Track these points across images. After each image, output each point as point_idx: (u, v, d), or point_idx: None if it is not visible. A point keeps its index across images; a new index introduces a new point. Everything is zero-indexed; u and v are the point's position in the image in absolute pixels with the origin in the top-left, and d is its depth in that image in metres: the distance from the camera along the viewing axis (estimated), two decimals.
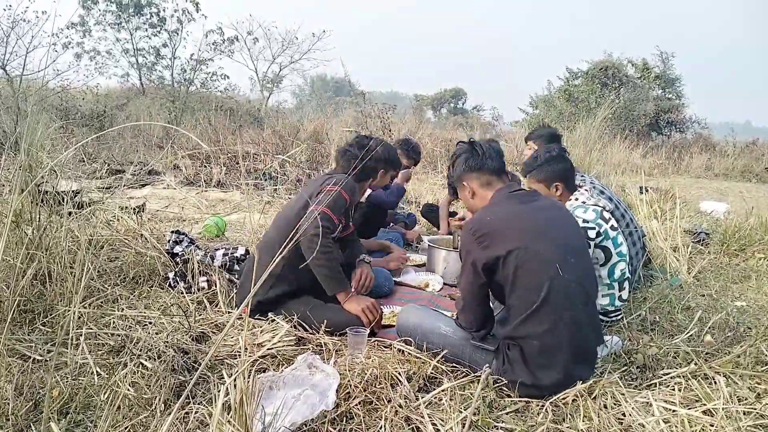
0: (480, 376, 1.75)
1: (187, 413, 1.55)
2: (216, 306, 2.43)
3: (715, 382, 1.79)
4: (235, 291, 2.49)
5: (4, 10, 8.55)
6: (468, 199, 1.99)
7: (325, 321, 2.12)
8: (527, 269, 1.69)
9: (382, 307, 2.45)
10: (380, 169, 2.80)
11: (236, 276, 2.68)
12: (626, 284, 2.38)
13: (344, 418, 1.58)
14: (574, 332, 1.70)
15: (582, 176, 3.04)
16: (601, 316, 2.35)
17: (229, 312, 2.35)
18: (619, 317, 2.42)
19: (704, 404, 1.67)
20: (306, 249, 2.13)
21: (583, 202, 2.44)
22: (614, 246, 2.31)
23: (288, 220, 2.30)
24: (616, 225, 2.36)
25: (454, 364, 1.92)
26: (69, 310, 1.98)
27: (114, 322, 2.11)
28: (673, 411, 1.65)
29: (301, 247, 2.13)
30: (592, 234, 2.26)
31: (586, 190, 2.52)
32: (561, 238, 1.79)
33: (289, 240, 1.47)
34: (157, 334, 2.01)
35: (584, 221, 2.28)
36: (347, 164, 2.54)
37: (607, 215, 2.35)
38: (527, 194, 1.91)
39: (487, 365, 1.80)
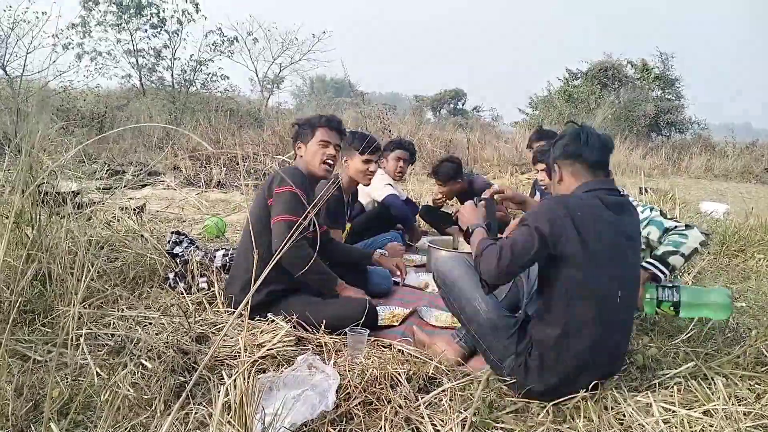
0: (479, 376, 1.75)
1: (187, 414, 1.54)
2: (216, 307, 2.43)
3: (715, 383, 1.79)
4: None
5: (4, 10, 8.56)
6: (555, 184, 1.87)
7: (324, 320, 2.12)
8: (584, 286, 1.62)
9: (380, 307, 2.45)
10: (301, 133, 2.43)
11: None
12: None
13: (344, 419, 1.58)
14: (607, 353, 1.69)
15: None
16: None
17: (227, 312, 2.35)
18: None
19: (704, 405, 1.67)
20: (288, 265, 2.11)
21: None
22: None
23: (251, 225, 2.26)
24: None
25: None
26: (69, 311, 1.98)
27: (114, 323, 2.11)
28: (673, 412, 1.65)
29: (284, 264, 2.09)
30: None
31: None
32: (627, 269, 1.71)
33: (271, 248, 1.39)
34: (157, 334, 2.01)
35: None
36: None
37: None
38: (616, 202, 1.73)
39: (487, 368, 1.80)
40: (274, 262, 1.28)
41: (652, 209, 2.36)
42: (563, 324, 1.64)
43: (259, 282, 1.21)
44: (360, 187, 3.38)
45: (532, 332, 1.74)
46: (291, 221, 2.12)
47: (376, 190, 3.65)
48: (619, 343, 1.74)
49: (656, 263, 2.13)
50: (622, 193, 1.84)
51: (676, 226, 2.24)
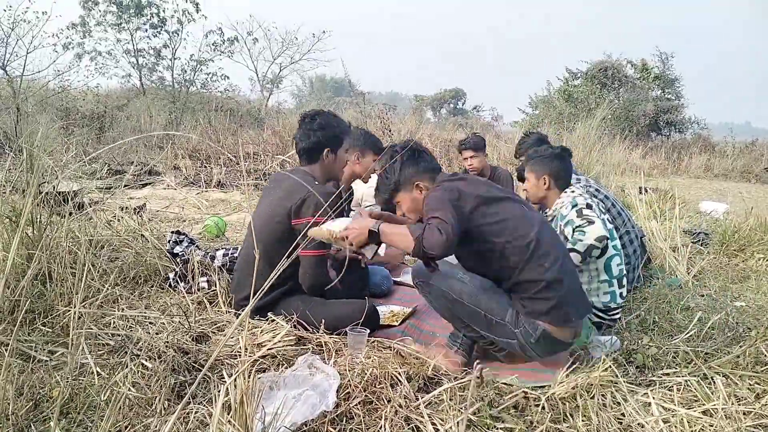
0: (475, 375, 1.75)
1: (187, 413, 1.55)
2: (216, 306, 2.43)
3: (715, 383, 1.79)
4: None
5: (5, 10, 8.55)
6: (419, 200, 2.03)
7: (324, 320, 2.12)
8: (510, 218, 1.86)
9: (380, 307, 2.46)
10: (327, 147, 2.36)
11: None
12: (624, 281, 2.42)
13: (344, 418, 1.59)
14: (568, 266, 1.90)
15: (578, 177, 3.06)
16: (601, 314, 2.39)
17: (228, 312, 2.35)
18: (618, 316, 2.44)
19: (704, 404, 1.68)
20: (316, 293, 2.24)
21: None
22: (610, 239, 2.36)
23: (266, 241, 2.20)
24: (609, 218, 2.49)
25: (469, 322, 1.95)
26: (69, 311, 1.98)
27: (114, 323, 2.11)
28: (673, 411, 1.65)
29: (312, 294, 2.24)
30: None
31: (573, 190, 2.57)
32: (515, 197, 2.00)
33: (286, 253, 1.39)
34: (157, 334, 2.01)
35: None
36: (308, 156, 2.37)
37: (603, 208, 2.53)
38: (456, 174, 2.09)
39: (479, 364, 1.80)
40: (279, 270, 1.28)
41: (574, 206, 2.44)
42: (518, 263, 1.83)
43: (265, 287, 1.21)
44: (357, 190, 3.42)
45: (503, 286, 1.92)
46: (320, 255, 2.20)
47: (369, 198, 3.66)
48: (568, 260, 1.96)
49: None
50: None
51: (580, 224, 2.36)
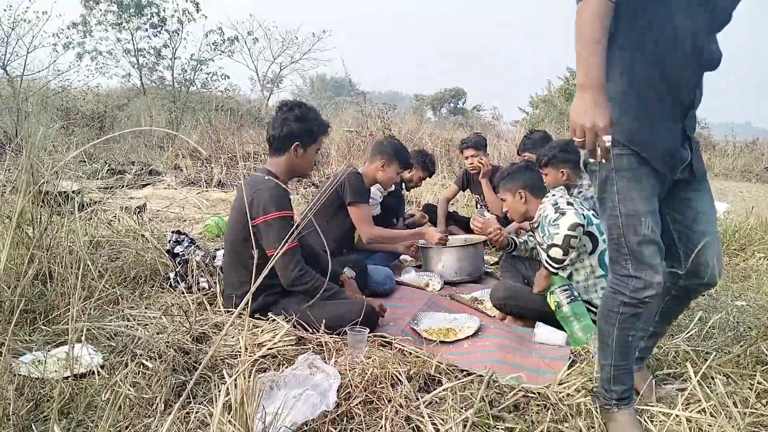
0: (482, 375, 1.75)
1: (187, 413, 1.55)
2: (216, 306, 2.43)
3: (715, 382, 1.79)
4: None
5: (5, 10, 8.56)
6: None
7: (324, 320, 2.12)
8: None
9: (382, 304, 2.45)
10: (304, 136, 2.31)
11: None
12: None
13: (345, 418, 1.59)
14: None
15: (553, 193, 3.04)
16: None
17: (228, 311, 2.35)
18: None
19: (704, 404, 1.67)
20: (301, 292, 2.19)
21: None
22: (599, 233, 2.37)
23: (233, 242, 2.29)
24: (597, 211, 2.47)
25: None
26: (70, 310, 1.98)
27: (115, 322, 2.11)
28: (674, 412, 1.65)
29: (298, 292, 2.20)
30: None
31: (553, 194, 2.57)
32: None
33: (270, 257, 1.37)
34: (157, 334, 2.01)
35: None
36: (277, 145, 2.33)
37: (587, 204, 2.51)
38: None
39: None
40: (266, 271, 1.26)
41: (554, 204, 2.41)
42: None
43: (254, 288, 1.20)
44: None
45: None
46: (289, 249, 2.14)
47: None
48: None
49: (546, 258, 2.33)
50: None
51: (555, 218, 2.33)
